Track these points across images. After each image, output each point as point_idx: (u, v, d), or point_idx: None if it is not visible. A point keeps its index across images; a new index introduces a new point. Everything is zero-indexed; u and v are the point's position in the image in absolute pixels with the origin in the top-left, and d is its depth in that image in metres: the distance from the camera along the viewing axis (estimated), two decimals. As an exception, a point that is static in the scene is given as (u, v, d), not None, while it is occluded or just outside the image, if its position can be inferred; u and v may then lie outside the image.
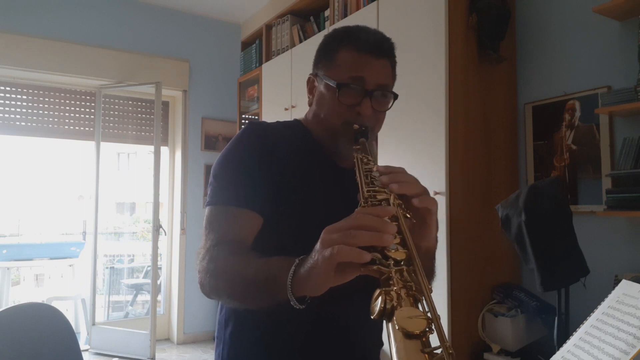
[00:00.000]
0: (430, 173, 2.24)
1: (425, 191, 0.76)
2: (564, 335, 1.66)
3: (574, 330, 0.96)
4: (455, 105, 2.22)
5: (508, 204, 1.86)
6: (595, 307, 0.96)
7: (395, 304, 0.52)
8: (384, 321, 0.53)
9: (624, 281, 0.96)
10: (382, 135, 2.52)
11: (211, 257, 0.84)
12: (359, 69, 0.93)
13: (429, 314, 0.52)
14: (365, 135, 0.92)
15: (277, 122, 1.06)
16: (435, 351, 0.48)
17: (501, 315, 2.17)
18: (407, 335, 0.49)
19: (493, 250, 2.31)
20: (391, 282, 0.56)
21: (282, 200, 0.92)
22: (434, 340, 0.50)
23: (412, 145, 2.37)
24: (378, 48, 0.96)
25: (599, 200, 2.09)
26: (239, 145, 0.95)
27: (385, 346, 0.53)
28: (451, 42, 2.22)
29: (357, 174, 0.80)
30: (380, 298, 0.53)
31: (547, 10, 2.38)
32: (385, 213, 0.64)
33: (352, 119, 0.93)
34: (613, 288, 0.97)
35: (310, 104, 1.04)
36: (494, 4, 2.26)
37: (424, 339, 0.49)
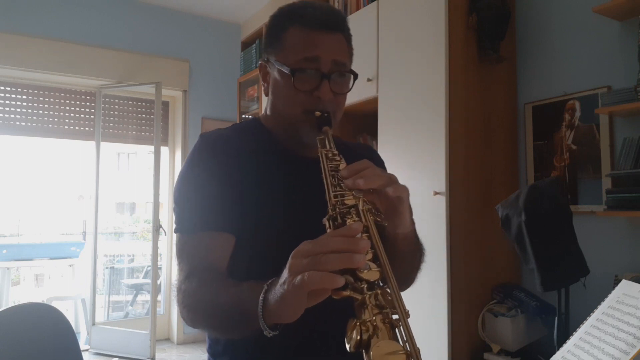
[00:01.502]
0: (430, 173, 2.24)
1: (393, 180, 0.73)
2: (564, 335, 1.66)
3: (574, 330, 0.96)
4: (455, 105, 2.22)
5: (508, 204, 1.86)
6: (595, 307, 0.96)
7: (371, 334, 0.50)
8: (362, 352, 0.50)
9: (624, 281, 0.96)
10: (382, 135, 2.53)
11: (185, 290, 0.81)
12: (312, 48, 0.87)
13: (407, 345, 0.49)
14: (328, 122, 0.87)
15: (232, 126, 1.00)
16: None
17: (501, 315, 2.17)
18: None
19: (493, 250, 2.31)
20: (365, 308, 0.53)
21: (252, 209, 0.87)
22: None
23: (412, 145, 2.37)
24: (328, 22, 0.89)
25: (599, 200, 2.09)
26: (193, 164, 0.89)
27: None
28: (451, 42, 2.22)
29: (323, 174, 0.75)
30: (355, 330, 0.51)
31: (547, 10, 2.38)
32: (355, 232, 0.59)
33: (312, 106, 0.88)
34: (613, 288, 0.96)
35: (266, 93, 0.97)
36: (494, 4, 2.26)
37: None
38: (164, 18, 4.28)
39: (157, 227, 3.99)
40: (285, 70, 0.87)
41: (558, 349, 0.95)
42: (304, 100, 0.88)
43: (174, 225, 0.90)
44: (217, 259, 0.84)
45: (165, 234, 4.47)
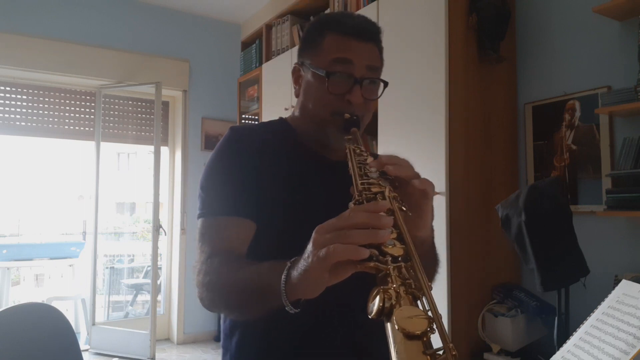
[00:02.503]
0: (430, 173, 2.23)
1: (419, 176, 0.75)
2: (564, 335, 1.66)
3: (574, 330, 0.96)
4: (455, 105, 2.22)
5: (508, 204, 1.86)
6: (595, 307, 0.96)
7: (394, 302, 0.50)
8: (383, 321, 0.51)
9: (624, 281, 0.96)
10: (382, 134, 2.54)
11: (206, 270, 0.83)
12: (347, 51, 0.91)
13: (429, 313, 0.50)
14: (357, 125, 0.89)
15: (261, 123, 1.05)
16: (437, 352, 0.46)
17: (501, 315, 2.16)
18: (408, 335, 0.47)
19: (493, 250, 2.31)
20: (389, 279, 0.54)
21: (273, 202, 0.90)
22: (436, 340, 0.48)
23: (412, 145, 2.37)
24: (364, 31, 0.94)
25: (599, 200, 2.09)
26: (222, 153, 0.94)
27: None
28: (451, 42, 2.22)
29: (350, 166, 0.77)
30: (378, 297, 0.51)
31: (547, 10, 2.38)
32: (379, 208, 0.61)
33: (342, 108, 0.91)
34: (613, 288, 0.97)
35: (297, 95, 1.01)
36: (494, 4, 2.26)
37: (425, 339, 0.47)
38: (164, 18, 4.29)
39: (157, 227, 3.99)
40: (321, 72, 0.91)
41: (558, 349, 0.95)
42: (335, 102, 0.91)
43: (198, 212, 0.93)
44: (238, 243, 0.87)
45: (165, 234, 4.47)
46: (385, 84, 0.96)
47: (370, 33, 0.95)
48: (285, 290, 0.65)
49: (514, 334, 2.11)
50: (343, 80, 0.90)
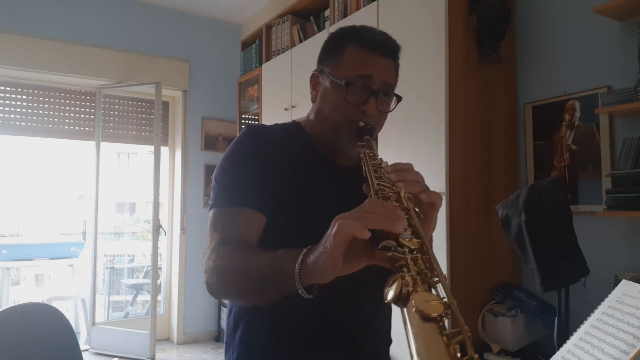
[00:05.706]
0: (430, 173, 2.24)
1: (427, 187, 0.77)
2: (564, 335, 1.66)
3: (574, 330, 0.96)
4: (455, 105, 2.22)
5: (508, 204, 1.86)
6: (595, 307, 0.96)
7: (410, 289, 0.52)
8: (399, 307, 0.53)
9: (624, 281, 0.96)
10: (382, 135, 2.54)
11: (217, 255, 0.85)
12: (367, 67, 0.94)
13: (445, 300, 0.52)
14: (370, 133, 0.94)
15: (275, 124, 1.07)
16: (453, 334, 0.48)
17: (501, 315, 2.16)
18: (425, 318, 0.48)
19: (493, 250, 2.31)
20: (406, 269, 0.56)
21: (282, 201, 0.92)
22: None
23: (412, 145, 2.37)
24: (385, 47, 0.97)
25: (599, 200, 2.09)
26: (238, 148, 0.97)
27: (402, 334, 0.52)
28: (451, 42, 2.22)
29: (366, 168, 0.80)
30: (396, 283, 0.53)
31: (547, 10, 2.38)
32: (392, 206, 0.64)
33: (357, 116, 0.94)
34: (613, 288, 0.97)
35: (313, 101, 1.04)
36: (494, 4, 2.26)
37: (441, 324, 0.48)
38: (164, 18, 4.28)
39: (157, 227, 3.99)
40: (340, 82, 0.95)
41: (558, 349, 0.95)
42: (351, 111, 0.95)
43: (210, 202, 0.95)
44: (249, 233, 0.90)
45: (165, 234, 4.47)
46: (399, 99, 1.00)
47: (390, 50, 0.98)
48: (300, 274, 0.67)
49: (514, 334, 2.11)
50: (361, 91, 0.94)
